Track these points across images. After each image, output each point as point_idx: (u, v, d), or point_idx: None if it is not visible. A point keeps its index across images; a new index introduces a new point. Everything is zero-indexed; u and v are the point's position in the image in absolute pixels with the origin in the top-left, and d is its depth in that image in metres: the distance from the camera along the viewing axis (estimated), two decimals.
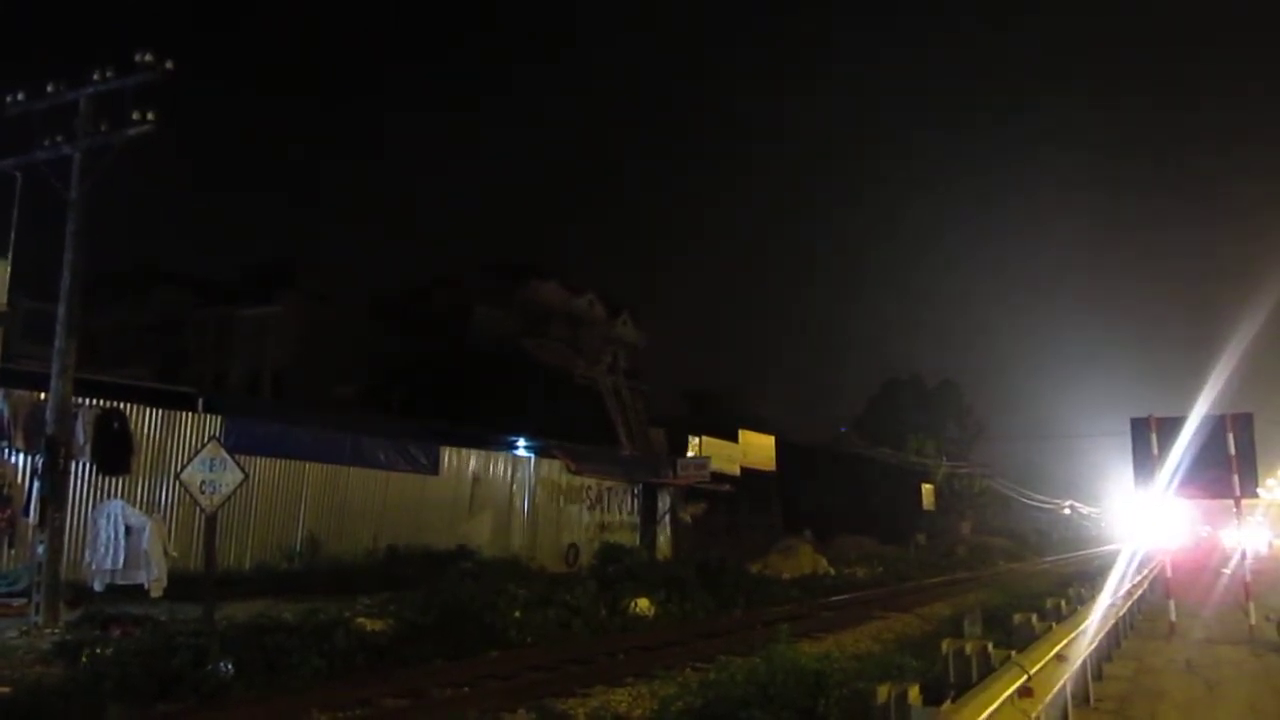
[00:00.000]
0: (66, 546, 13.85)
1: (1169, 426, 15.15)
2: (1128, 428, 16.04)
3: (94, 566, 15.16)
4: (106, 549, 15.18)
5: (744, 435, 40.03)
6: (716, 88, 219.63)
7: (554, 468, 28.40)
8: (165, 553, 15.58)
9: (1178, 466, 14.89)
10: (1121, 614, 12.59)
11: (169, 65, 13.67)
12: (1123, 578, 12.65)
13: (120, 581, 15.14)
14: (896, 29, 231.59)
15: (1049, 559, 45.40)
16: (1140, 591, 15.85)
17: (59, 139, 14.05)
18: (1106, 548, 46.34)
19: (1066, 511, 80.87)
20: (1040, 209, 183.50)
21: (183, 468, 13.41)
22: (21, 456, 15.22)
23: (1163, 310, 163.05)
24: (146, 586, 15.12)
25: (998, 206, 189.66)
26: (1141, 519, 19.41)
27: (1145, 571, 16.65)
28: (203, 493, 12.83)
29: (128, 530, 15.31)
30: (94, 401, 16.31)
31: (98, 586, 14.96)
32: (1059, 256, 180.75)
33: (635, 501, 31.92)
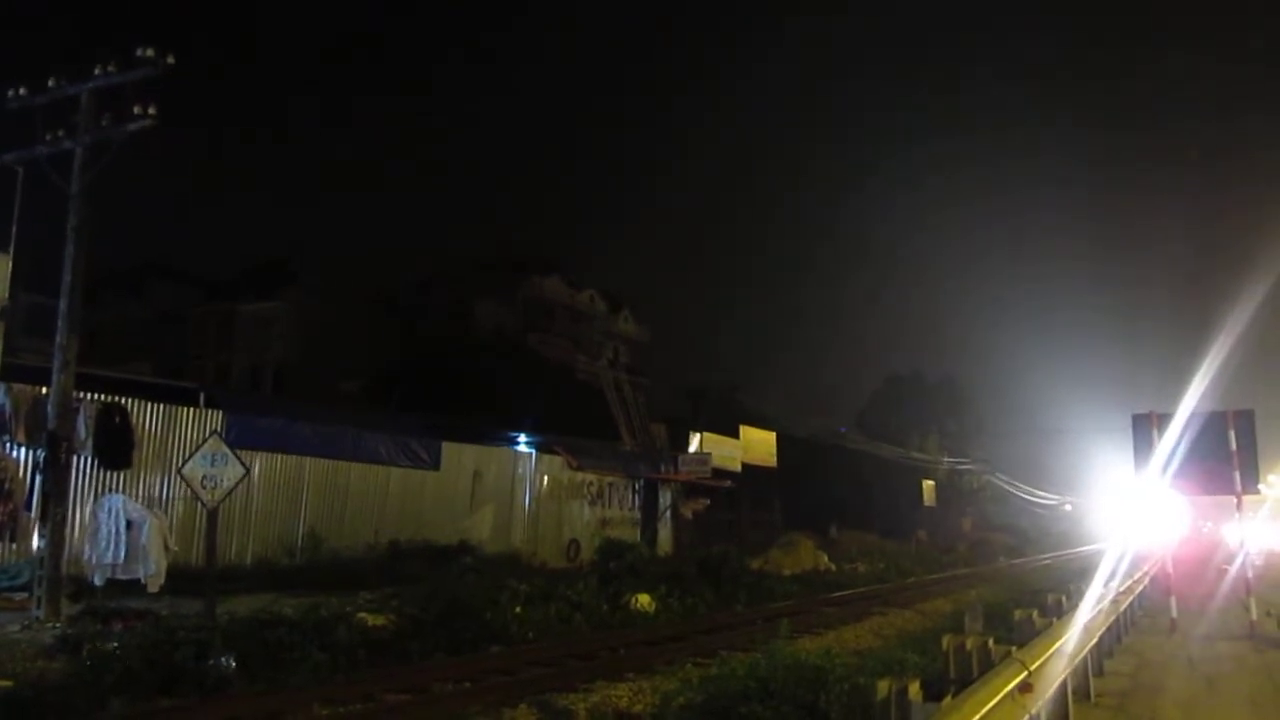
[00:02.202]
0: (68, 541, 13.87)
1: (1170, 422, 15.14)
2: (1127, 423, 16.05)
3: (94, 561, 15.17)
4: (107, 543, 15.18)
5: (745, 431, 40.01)
6: (718, 84, 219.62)
7: (555, 463, 28.42)
8: (166, 547, 15.59)
9: (1179, 462, 14.88)
10: (1122, 610, 12.59)
11: (170, 60, 13.68)
12: (1110, 577, 12.29)
13: (121, 576, 15.15)
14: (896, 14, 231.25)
15: (1050, 555, 45.40)
16: (1140, 587, 15.82)
17: (60, 133, 14.04)
18: (1106, 545, 46.26)
19: (1068, 508, 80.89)
20: (1034, 198, 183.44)
21: (184, 463, 13.47)
22: (23, 451, 15.23)
23: (1158, 297, 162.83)
24: (144, 581, 15.13)
25: (995, 198, 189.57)
26: (1134, 515, 19.27)
27: (1138, 573, 16.25)
28: (204, 487, 12.88)
29: (128, 525, 15.32)
30: (95, 396, 16.32)
31: (98, 581, 14.97)
32: (1054, 246, 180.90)
33: (636, 497, 31.95)
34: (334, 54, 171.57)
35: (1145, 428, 15.40)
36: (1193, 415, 15.03)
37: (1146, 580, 16.91)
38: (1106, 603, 10.46)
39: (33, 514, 13.61)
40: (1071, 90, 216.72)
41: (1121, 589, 12.39)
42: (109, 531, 15.23)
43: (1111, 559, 13.71)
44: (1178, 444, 14.84)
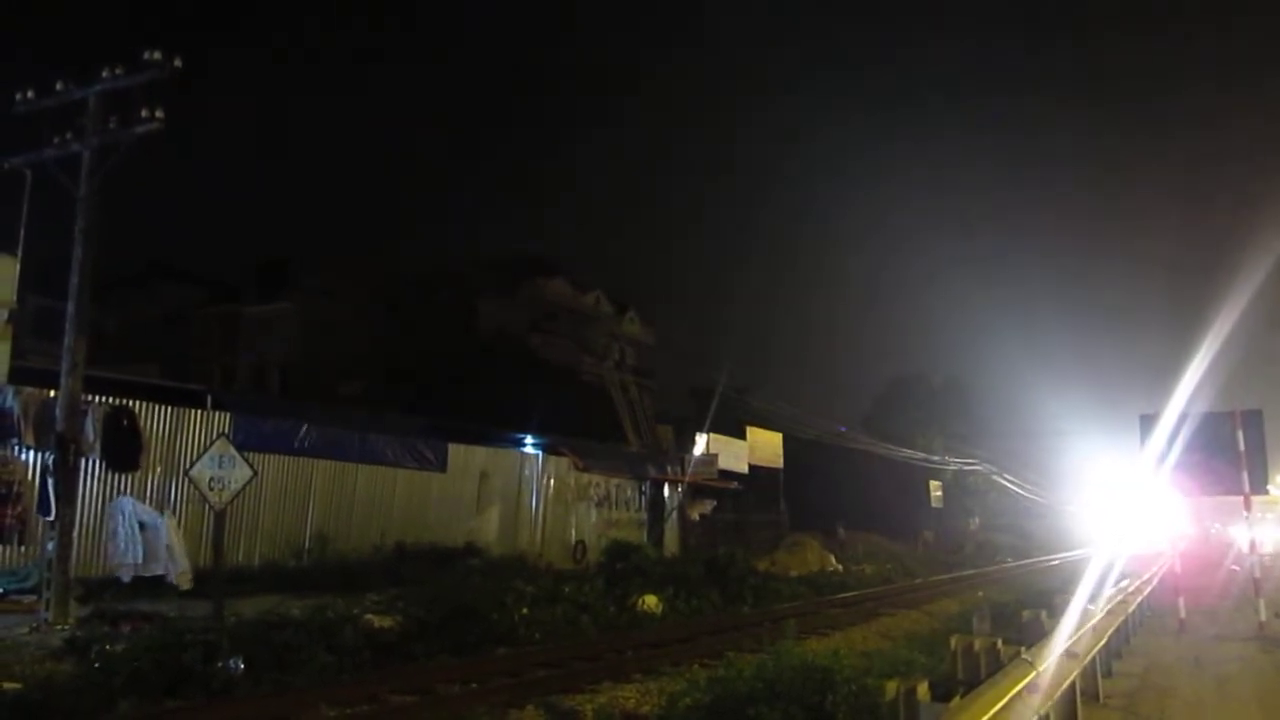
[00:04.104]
0: (77, 543, 13.90)
1: (1177, 423, 15.09)
2: (1128, 424, 16.03)
3: (117, 561, 15.28)
4: (126, 544, 15.27)
5: (751, 432, 39.96)
6: (718, 87, 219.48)
7: (561, 465, 28.39)
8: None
9: (1187, 463, 14.84)
10: (1131, 611, 12.54)
11: (177, 63, 13.71)
12: (1092, 596, 10.76)
13: (144, 574, 15.26)
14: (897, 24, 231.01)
15: (1057, 556, 45.28)
16: (1148, 589, 15.76)
17: (68, 136, 14.07)
18: (1092, 551, 46.09)
19: (1073, 508, 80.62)
20: (1028, 201, 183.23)
21: (192, 465, 13.49)
22: (31, 453, 15.26)
23: (1156, 297, 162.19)
24: (172, 579, 15.20)
25: (991, 201, 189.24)
26: (1130, 517, 19.08)
27: (1133, 585, 14.80)
28: (211, 489, 12.90)
29: (141, 526, 15.40)
30: (103, 398, 16.34)
31: (125, 578, 15.09)
32: (1052, 246, 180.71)
33: (643, 498, 31.93)
34: (335, 54, 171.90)
35: (1152, 428, 15.37)
36: (1200, 415, 15.01)
37: (1153, 584, 16.84)
38: (1103, 607, 10.39)
39: (51, 516, 13.58)
40: (1070, 91, 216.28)
41: (1112, 606, 11.73)
42: (125, 533, 15.32)
43: (1096, 572, 12.22)
44: (1175, 441, 14.81)
